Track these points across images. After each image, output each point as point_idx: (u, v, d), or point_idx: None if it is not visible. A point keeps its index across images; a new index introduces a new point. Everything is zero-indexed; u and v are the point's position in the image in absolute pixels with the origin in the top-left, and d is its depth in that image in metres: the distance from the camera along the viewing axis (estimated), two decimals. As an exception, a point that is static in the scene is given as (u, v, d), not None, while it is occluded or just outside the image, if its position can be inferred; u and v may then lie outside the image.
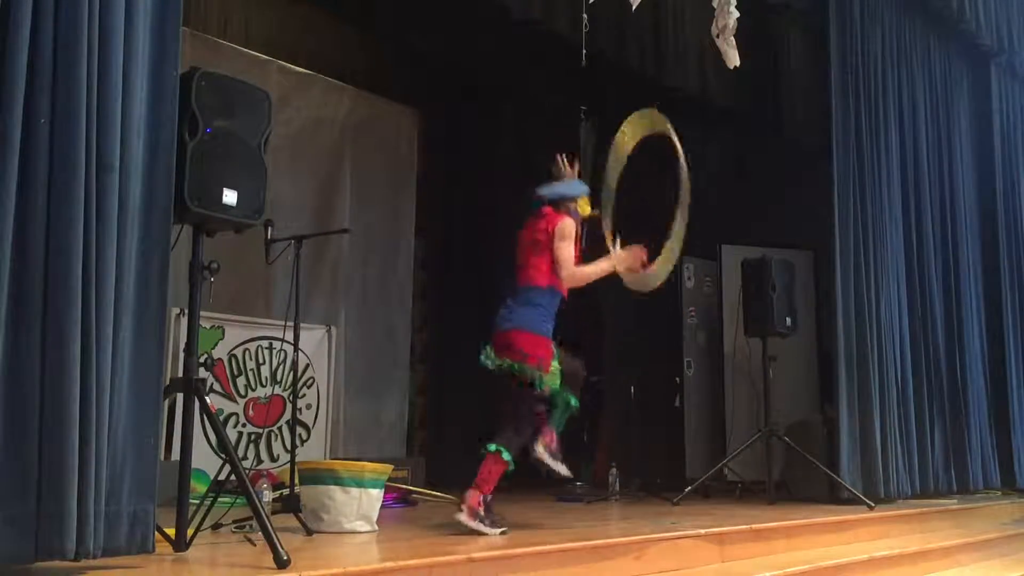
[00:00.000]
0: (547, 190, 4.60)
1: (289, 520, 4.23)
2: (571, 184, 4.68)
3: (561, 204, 4.54)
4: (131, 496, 2.83)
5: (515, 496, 6.44)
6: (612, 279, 4.59)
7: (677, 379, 7.69)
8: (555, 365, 4.33)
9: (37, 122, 2.66)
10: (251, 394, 6.54)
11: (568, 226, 4.41)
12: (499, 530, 4.03)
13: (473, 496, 4.04)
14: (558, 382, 4.34)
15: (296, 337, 4.86)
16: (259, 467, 6.26)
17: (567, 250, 4.37)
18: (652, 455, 7.40)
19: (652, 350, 7.79)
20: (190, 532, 3.30)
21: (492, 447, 4.16)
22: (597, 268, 4.46)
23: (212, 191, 3.24)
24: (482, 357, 4.36)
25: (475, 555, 3.31)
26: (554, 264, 4.36)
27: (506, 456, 4.15)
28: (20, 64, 2.62)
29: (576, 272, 4.38)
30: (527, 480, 7.65)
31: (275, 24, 7.37)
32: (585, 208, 4.62)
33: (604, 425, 7.89)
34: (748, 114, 7.55)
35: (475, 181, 8.62)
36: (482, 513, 4.03)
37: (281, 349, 6.29)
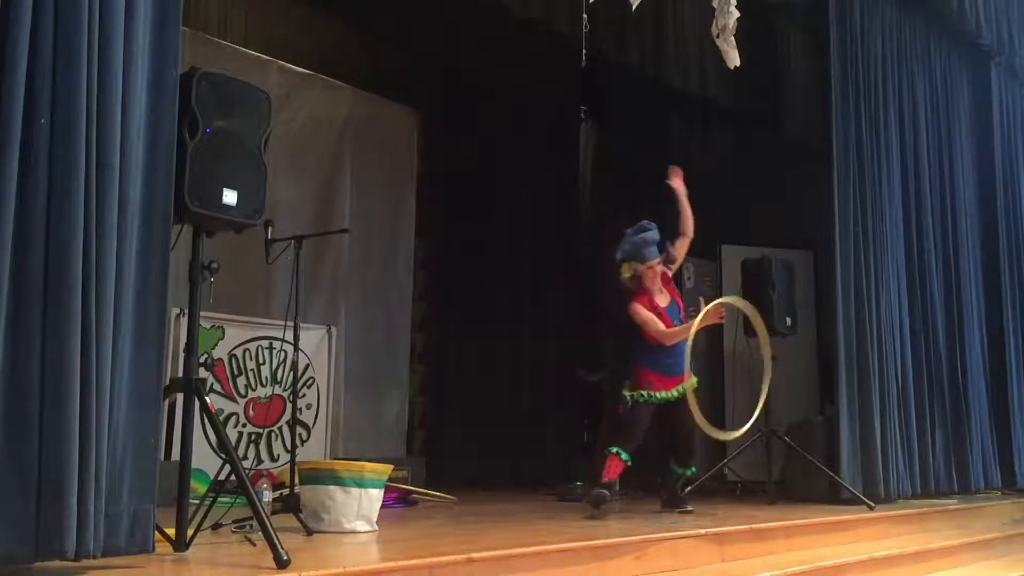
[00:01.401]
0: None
1: (289, 520, 4.22)
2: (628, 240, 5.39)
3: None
4: (131, 496, 2.83)
5: (515, 496, 6.45)
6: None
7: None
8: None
9: (37, 122, 2.66)
10: (251, 394, 6.54)
11: (632, 310, 5.27)
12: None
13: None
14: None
15: (296, 337, 4.85)
16: (259, 467, 6.26)
17: (646, 320, 5.25)
18: (652, 455, 7.38)
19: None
20: (190, 532, 3.30)
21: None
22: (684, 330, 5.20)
23: (212, 191, 3.24)
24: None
25: (475, 555, 3.30)
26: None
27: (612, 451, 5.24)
28: (20, 64, 2.62)
29: (666, 333, 5.24)
30: (527, 480, 7.66)
31: (275, 24, 7.37)
32: (623, 273, 5.32)
33: (604, 425, 7.88)
34: (748, 114, 7.55)
35: (475, 181, 8.62)
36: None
37: (281, 349, 6.29)
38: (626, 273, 5.28)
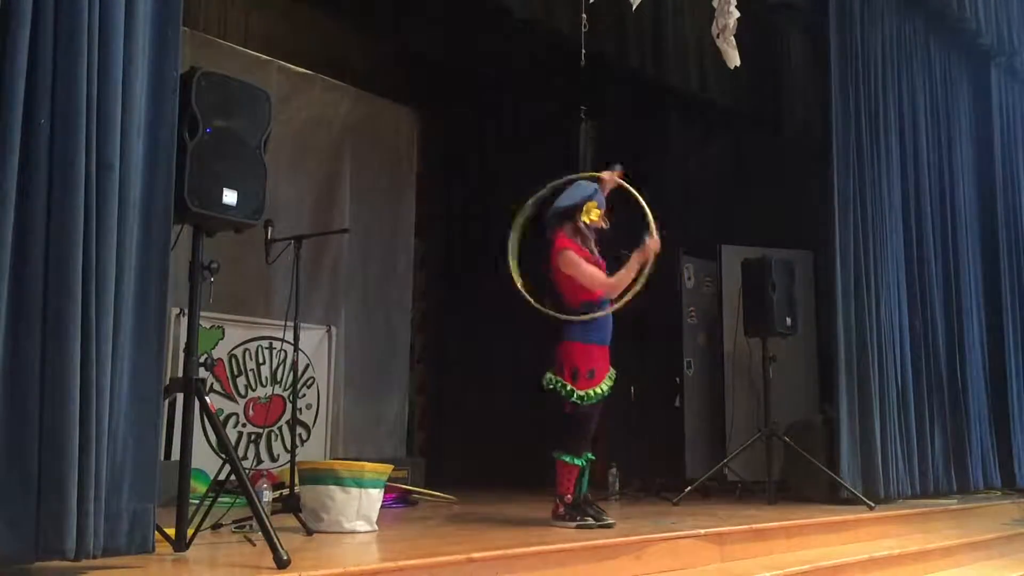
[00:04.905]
0: (551, 210, 4.76)
1: (289, 520, 4.23)
2: (569, 194, 4.78)
3: (564, 220, 4.73)
4: (131, 496, 2.83)
5: (515, 496, 6.45)
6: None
7: (677, 379, 7.69)
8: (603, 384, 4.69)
9: (37, 122, 2.66)
10: (251, 394, 6.54)
11: (566, 257, 4.63)
12: (575, 524, 4.39)
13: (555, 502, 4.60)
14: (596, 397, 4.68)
15: (296, 337, 4.86)
16: (259, 467, 6.26)
17: (585, 271, 4.61)
18: (652, 455, 7.39)
19: (652, 350, 7.78)
20: (190, 532, 3.30)
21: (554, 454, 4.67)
22: (628, 273, 4.56)
23: (212, 191, 3.24)
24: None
25: (475, 555, 3.31)
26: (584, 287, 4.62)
27: (566, 459, 4.61)
28: (20, 64, 2.62)
29: (611, 283, 4.59)
30: (527, 480, 7.65)
31: (275, 24, 7.37)
32: (590, 214, 4.69)
33: (604, 425, 7.88)
34: (748, 114, 7.54)
35: (475, 181, 8.62)
36: (560, 512, 4.52)
37: (281, 349, 6.29)
38: (593, 216, 4.64)
